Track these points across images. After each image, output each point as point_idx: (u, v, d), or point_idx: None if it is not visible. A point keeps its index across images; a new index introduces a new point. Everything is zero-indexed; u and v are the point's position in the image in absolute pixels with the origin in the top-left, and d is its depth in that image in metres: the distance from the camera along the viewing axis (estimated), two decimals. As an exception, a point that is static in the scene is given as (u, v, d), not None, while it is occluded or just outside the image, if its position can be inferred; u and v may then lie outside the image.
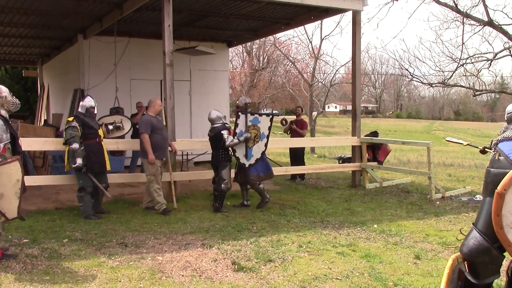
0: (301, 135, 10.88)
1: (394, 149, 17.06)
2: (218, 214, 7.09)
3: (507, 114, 8.51)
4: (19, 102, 5.07)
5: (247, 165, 7.45)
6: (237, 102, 7.77)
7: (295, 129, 10.82)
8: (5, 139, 4.69)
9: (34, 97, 20.17)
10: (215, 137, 7.37)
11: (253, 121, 7.52)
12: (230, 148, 7.39)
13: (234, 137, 7.33)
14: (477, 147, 8.11)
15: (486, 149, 7.98)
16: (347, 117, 55.87)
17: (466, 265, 2.14)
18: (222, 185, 7.25)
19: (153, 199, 7.21)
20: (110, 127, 7.61)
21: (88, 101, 6.95)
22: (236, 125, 7.47)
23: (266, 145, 7.59)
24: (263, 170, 7.59)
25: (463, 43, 12.83)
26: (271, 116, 7.71)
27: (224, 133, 7.28)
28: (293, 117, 11.66)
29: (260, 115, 7.70)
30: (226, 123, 7.55)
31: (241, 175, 7.56)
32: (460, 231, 2.31)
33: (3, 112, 4.83)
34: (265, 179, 7.70)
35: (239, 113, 7.49)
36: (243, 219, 6.79)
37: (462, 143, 8.01)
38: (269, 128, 7.57)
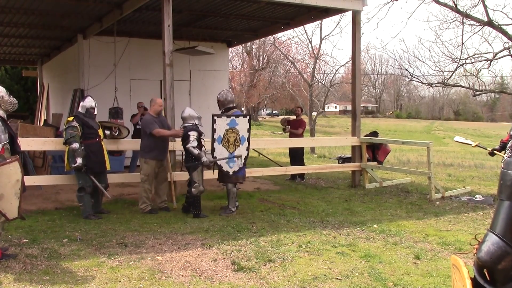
0: (297, 135, 10.86)
1: (394, 149, 17.06)
2: (218, 213, 7.09)
3: None
4: (16, 102, 5.03)
5: (231, 173, 7.08)
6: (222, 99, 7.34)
7: (291, 131, 10.84)
8: (4, 139, 4.69)
9: (34, 97, 20.17)
10: (183, 138, 6.99)
11: (231, 124, 7.03)
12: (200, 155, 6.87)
13: (202, 150, 6.92)
14: (486, 149, 8.07)
15: (495, 151, 7.93)
16: (347, 117, 55.89)
17: (486, 273, 2.06)
18: (193, 189, 6.83)
19: (140, 198, 7.25)
20: (107, 132, 7.60)
21: (89, 102, 6.96)
22: (214, 130, 6.95)
23: (247, 149, 7.19)
24: (243, 172, 7.29)
25: (462, 43, 12.85)
26: (248, 117, 7.28)
27: (191, 134, 6.86)
28: (293, 117, 11.68)
29: (237, 116, 7.15)
30: (199, 125, 7.09)
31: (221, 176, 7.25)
32: (475, 237, 2.24)
33: (1, 112, 4.81)
34: (242, 181, 7.42)
35: (215, 118, 6.98)
36: (243, 219, 6.78)
37: (470, 144, 7.98)
38: (248, 130, 7.17)
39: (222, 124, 6.98)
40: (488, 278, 2.03)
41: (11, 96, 5.00)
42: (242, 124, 7.11)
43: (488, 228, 2.10)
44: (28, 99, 21.10)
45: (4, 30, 12.34)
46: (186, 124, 7.09)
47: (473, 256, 2.16)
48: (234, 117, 7.09)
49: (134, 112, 11.23)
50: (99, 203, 7.11)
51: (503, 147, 7.94)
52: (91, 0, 9.48)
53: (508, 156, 2.06)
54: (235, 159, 7.04)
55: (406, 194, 9.08)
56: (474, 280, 2.10)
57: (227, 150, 7.06)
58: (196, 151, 6.78)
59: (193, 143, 6.82)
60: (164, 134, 7.20)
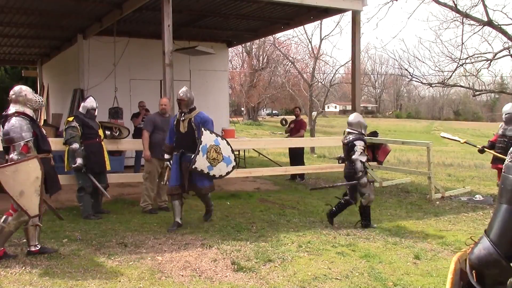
0: (300, 136, 10.91)
1: (394, 149, 17.05)
2: (218, 213, 7.09)
3: (505, 114, 8.54)
4: (42, 100, 5.10)
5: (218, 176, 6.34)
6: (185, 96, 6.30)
7: (295, 130, 10.90)
8: (26, 137, 4.73)
9: (34, 97, 20.15)
10: (347, 146, 6.39)
11: (215, 142, 6.22)
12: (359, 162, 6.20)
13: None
14: (475, 146, 8.12)
15: (485, 149, 7.98)
16: (347, 117, 55.72)
17: (474, 274, 2.09)
18: (362, 200, 6.30)
19: (142, 196, 7.29)
20: (107, 132, 7.61)
21: (90, 102, 6.95)
22: (201, 142, 6.07)
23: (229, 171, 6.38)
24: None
25: (462, 43, 12.88)
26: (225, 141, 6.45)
27: (358, 144, 6.22)
28: (293, 117, 11.70)
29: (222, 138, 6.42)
30: (363, 133, 6.48)
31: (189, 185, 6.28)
32: (471, 238, 2.26)
33: (29, 111, 4.87)
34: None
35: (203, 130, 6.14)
36: (243, 219, 6.79)
37: (459, 141, 8.01)
38: (233, 151, 6.43)
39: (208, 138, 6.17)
40: (475, 280, 2.06)
41: (36, 95, 5.06)
42: (223, 145, 6.31)
43: (485, 229, 2.10)
44: (28, 99, 21.08)
45: (4, 30, 12.34)
46: (351, 131, 6.46)
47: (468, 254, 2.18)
48: (218, 137, 6.34)
49: (134, 111, 11.16)
50: (99, 203, 7.11)
51: (491, 146, 8.02)
52: (91, 0, 9.49)
53: (509, 160, 2.07)
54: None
55: (406, 194, 9.09)
56: (466, 276, 2.13)
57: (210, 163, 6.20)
58: (360, 166, 6.15)
59: (361, 156, 6.20)
60: (143, 143, 7.22)
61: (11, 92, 4.91)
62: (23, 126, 4.73)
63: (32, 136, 4.80)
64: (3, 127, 4.81)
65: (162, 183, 6.77)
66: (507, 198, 2.01)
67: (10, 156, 4.69)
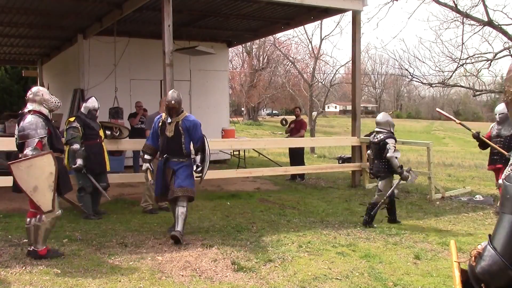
0: (300, 136, 10.93)
1: (394, 149, 17.03)
2: (218, 213, 7.09)
3: (499, 114, 8.44)
4: (59, 101, 5.20)
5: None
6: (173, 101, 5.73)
7: (296, 130, 10.91)
8: (40, 134, 4.79)
9: (34, 97, 20.16)
10: (378, 145, 6.57)
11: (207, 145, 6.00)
12: None
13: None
14: (470, 130, 8.04)
15: (480, 136, 7.85)
16: (347, 117, 55.86)
17: (483, 286, 2.09)
18: (376, 196, 6.57)
19: (143, 195, 7.29)
20: (108, 132, 7.61)
21: (92, 103, 6.95)
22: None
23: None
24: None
25: (463, 43, 12.86)
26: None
27: (390, 142, 6.42)
28: (293, 117, 11.71)
29: None
30: (392, 131, 6.70)
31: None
32: (475, 249, 2.26)
33: (44, 111, 4.96)
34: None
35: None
36: (243, 219, 6.79)
37: (454, 120, 8.02)
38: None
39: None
40: None
41: (53, 96, 5.17)
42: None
43: (489, 239, 2.08)
44: (28, 99, 21.10)
45: (4, 30, 12.35)
46: (380, 130, 6.66)
47: (470, 263, 2.17)
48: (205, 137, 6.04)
49: (133, 111, 11.14)
50: (97, 203, 7.09)
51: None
52: (91, 0, 9.49)
53: (510, 170, 2.06)
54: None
55: (406, 194, 9.09)
56: (466, 275, 2.13)
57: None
58: (397, 163, 6.39)
59: (396, 153, 6.38)
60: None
61: (29, 92, 5.04)
62: (38, 123, 4.81)
63: (47, 134, 4.87)
64: (18, 125, 4.91)
65: (149, 182, 6.62)
66: (510, 208, 1.99)
67: (24, 152, 4.74)
